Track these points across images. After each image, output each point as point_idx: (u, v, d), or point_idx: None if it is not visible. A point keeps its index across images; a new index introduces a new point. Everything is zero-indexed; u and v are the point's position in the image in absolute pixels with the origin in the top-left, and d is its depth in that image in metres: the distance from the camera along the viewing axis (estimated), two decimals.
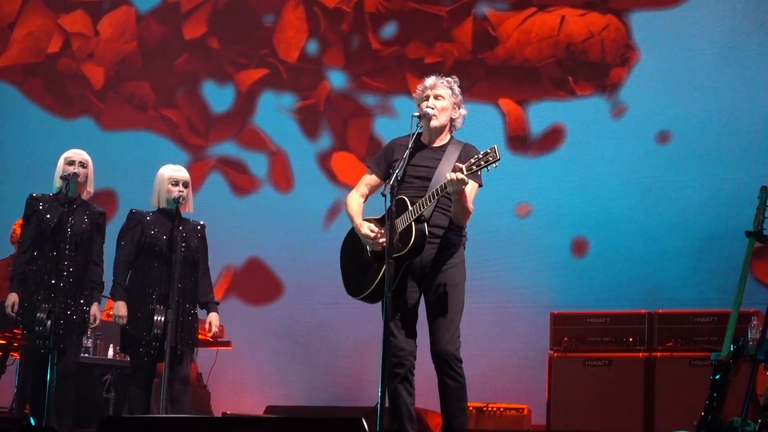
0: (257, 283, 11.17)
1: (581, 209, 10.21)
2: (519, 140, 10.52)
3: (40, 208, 7.71)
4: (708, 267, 9.65)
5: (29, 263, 7.66)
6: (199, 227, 7.72)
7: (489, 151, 6.14)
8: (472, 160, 6.16)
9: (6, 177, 11.72)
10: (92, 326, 7.69)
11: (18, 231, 9.92)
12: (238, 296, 11.08)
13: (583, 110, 10.36)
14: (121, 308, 7.49)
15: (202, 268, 7.68)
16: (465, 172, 6.13)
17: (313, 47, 11.38)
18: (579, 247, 10.22)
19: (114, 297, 7.58)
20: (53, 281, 7.53)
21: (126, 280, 7.53)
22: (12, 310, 7.61)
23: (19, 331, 9.07)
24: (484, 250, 9.42)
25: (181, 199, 7.49)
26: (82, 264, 7.67)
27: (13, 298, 7.63)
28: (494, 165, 6.13)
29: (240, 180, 11.42)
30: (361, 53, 11.18)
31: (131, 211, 7.68)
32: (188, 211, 7.67)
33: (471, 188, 6.42)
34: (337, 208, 10.50)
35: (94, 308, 7.67)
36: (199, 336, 7.85)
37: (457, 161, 6.31)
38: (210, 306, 7.67)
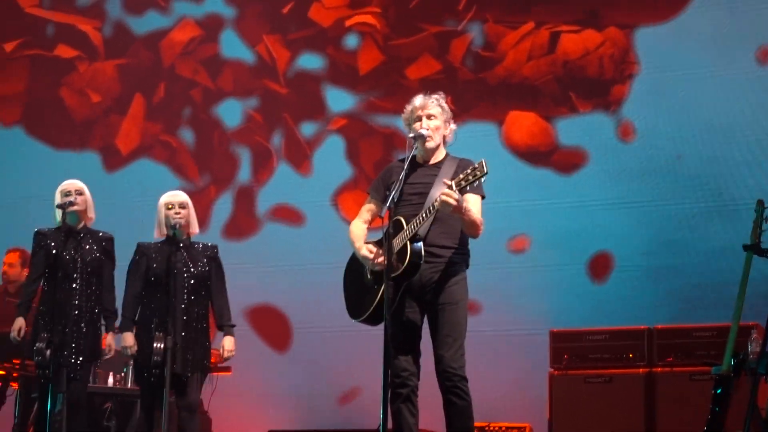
0: (264, 317, 11.21)
1: (578, 228, 10.23)
2: (540, 155, 10.58)
3: (48, 242, 7.78)
4: (706, 282, 9.66)
5: (35, 294, 7.79)
6: (208, 250, 7.68)
7: (477, 165, 6.16)
8: (461, 176, 6.19)
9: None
10: (107, 356, 7.73)
11: (10, 272, 10.04)
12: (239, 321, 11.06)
13: (584, 127, 10.42)
14: (126, 339, 7.56)
15: (215, 291, 7.63)
16: (454, 188, 6.15)
17: (311, 66, 11.43)
18: (577, 266, 10.22)
19: (121, 329, 7.63)
20: (63, 311, 7.63)
21: (134, 313, 7.57)
22: (18, 335, 7.71)
23: (18, 361, 9.14)
24: (484, 270, 9.43)
25: (177, 225, 7.49)
26: (92, 291, 7.74)
27: (19, 323, 7.74)
28: (482, 179, 6.16)
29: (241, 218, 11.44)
30: (367, 74, 11.20)
31: (138, 244, 7.73)
32: (193, 232, 7.68)
33: (475, 201, 6.46)
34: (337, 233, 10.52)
35: (109, 338, 7.74)
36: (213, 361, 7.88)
37: (452, 177, 6.34)
38: (225, 329, 7.63)
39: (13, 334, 7.75)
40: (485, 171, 6.12)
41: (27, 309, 7.80)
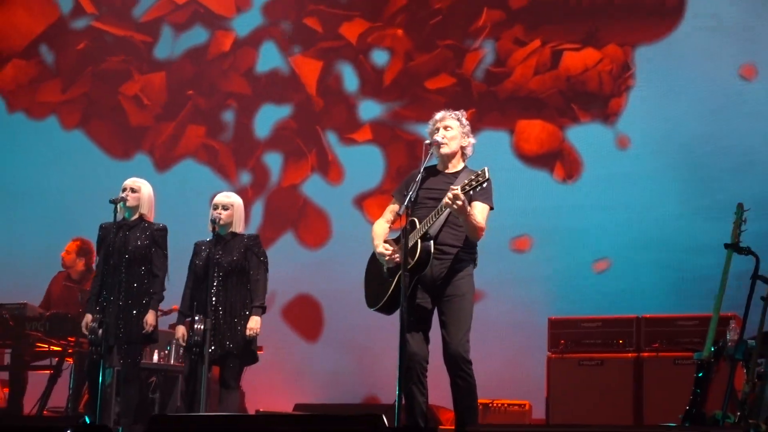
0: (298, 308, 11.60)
1: (577, 227, 10.59)
2: (544, 162, 10.93)
3: (105, 235, 8.27)
4: (690, 276, 9.96)
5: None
6: (246, 240, 8.03)
7: (479, 172, 6.60)
8: (465, 181, 6.61)
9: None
10: (145, 332, 8.07)
11: (66, 258, 10.45)
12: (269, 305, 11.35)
13: (584, 136, 10.79)
14: (177, 331, 8.12)
15: (252, 276, 8.00)
16: (459, 192, 6.55)
17: (342, 77, 11.83)
18: (575, 261, 10.61)
19: (176, 321, 8.17)
20: (111, 296, 8.12)
21: (187, 307, 8.02)
22: (85, 329, 8.17)
23: (73, 339, 9.68)
24: (490, 264, 9.85)
25: (217, 220, 7.96)
26: (138, 277, 8.15)
27: (86, 318, 8.21)
28: (484, 185, 6.63)
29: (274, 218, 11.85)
30: (391, 86, 11.57)
31: (195, 243, 8.17)
32: (238, 230, 8.08)
33: (482, 209, 6.88)
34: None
35: (149, 315, 8.07)
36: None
37: None
38: (252, 310, 7.93)
39: (83, 329, 8.20)
40: (486, 177, 6.60)
41: (94, 304, 8.14)
